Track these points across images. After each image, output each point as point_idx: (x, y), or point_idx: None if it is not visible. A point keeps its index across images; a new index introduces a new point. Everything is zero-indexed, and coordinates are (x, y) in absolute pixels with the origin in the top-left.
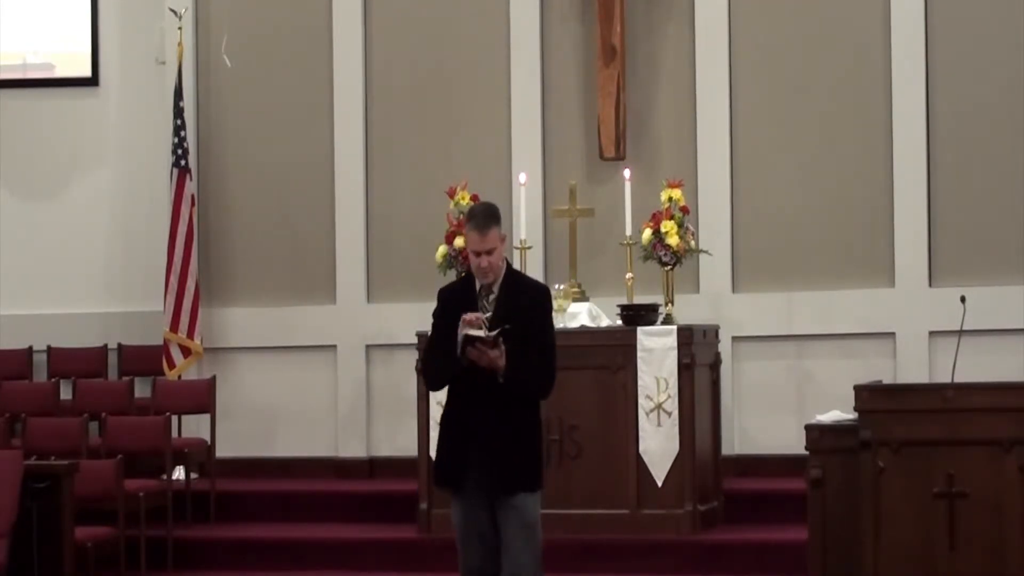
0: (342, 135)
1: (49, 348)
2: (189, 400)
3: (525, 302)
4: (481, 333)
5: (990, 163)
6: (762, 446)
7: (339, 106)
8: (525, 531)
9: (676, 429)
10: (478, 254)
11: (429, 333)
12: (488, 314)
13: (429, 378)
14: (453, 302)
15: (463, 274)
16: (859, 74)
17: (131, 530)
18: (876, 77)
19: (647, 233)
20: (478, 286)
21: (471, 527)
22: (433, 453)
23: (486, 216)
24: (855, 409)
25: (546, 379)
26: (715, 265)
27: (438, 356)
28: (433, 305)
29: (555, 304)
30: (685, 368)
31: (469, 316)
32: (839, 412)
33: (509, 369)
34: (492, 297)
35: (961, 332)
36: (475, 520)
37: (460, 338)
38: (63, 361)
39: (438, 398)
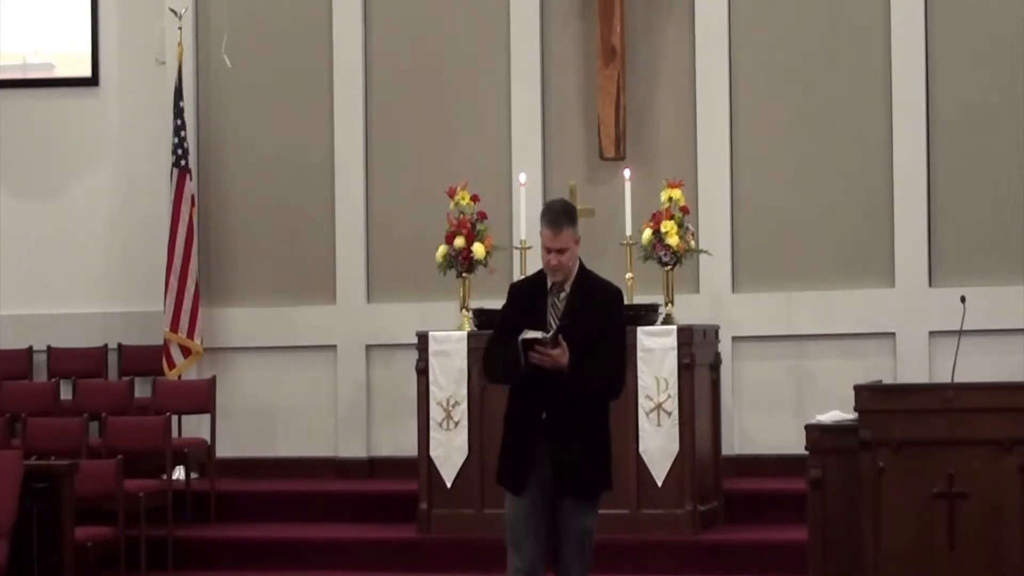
0: (342, 135)
1: (49, 348)
2: (189, 400)
3: (596, 302)
4: (539, 334)
5: (990, 163)
6: (762, 446)
7: (339, 106)
8: (582, 538)
9: (676, 429)
10: (549, 251)
11: (495, 327)
12: (560, 311)
13: (490, 375)
14: (523, 297)
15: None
16: (859, 74)
17: (131, 530)
18: (876, 78)
19: (647, 233)
20: (549, 283)
21: (527, 528)
22: (433, 452)
23: (561, 214)
24: (855, 409)
25: (614, 379)
26: (715, 265)
27: (500, 353)
28: (433, 305)
29: None
30: (685, 368)
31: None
32: (839, 412)
33: (573, 367)
34: (563, 295)
35: (961, 332)
36: (534, 521)
37: (520, 346)
38: (63, 361)
39: (438, 398)
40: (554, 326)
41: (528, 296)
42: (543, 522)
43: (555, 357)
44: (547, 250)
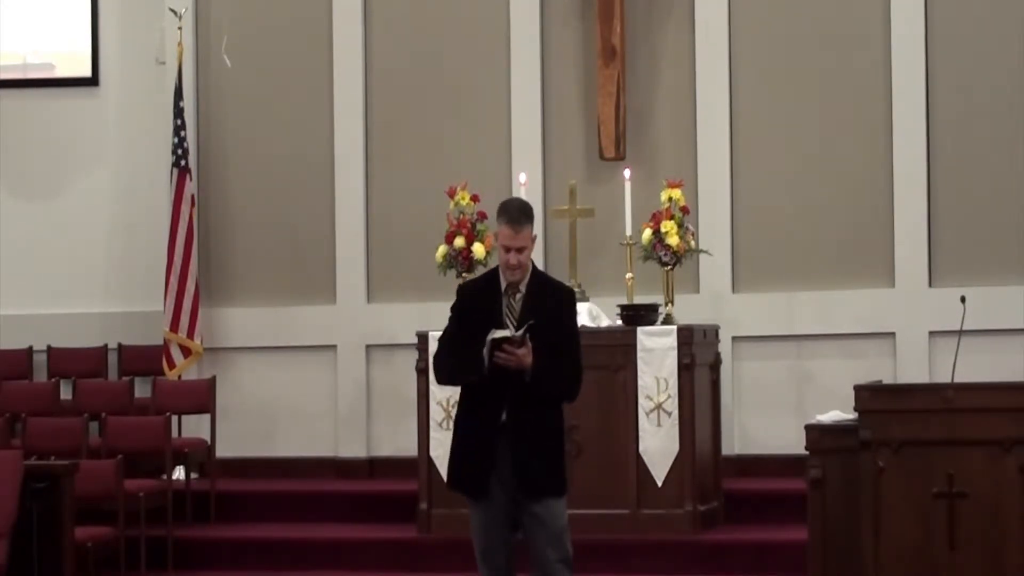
0: (342, 135)
1: (49, 348)
2: (189, 400)
3: (552, 303)
4: (507, 333)
5: (990, 163)
6: (762, 446)
7: (339, 106)
8: (555, 539)
9: (676, 429)
10: (508, 250)
11: (445, 327)
12: (516, 312)
13: (441, 375)
14: (476, 300)
15: (462, 272)
16: (859, 74)
17: (131, 530)
18: (876, 77)
19: (647, 233)
20: (503, 285)
21: (495, 535)
22: (433, 452)
23: (521, 212)
24: (855, 409)
25: (573, 380)
26: (715, 265)
27: (452, 354)
28: (433, 305)
29: None
30: (685, 368)
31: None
32: (839, 412)
33: (537, 368)
34: (519, 296)
35: (961, 332)
36: (502, 528)
37: (487, 345)
38: (63, 361)
39: (438, 398)
40: (511, 327)
41: (482, 298)
42: (510, 528)
43: (520, 357)
44: (506, 249)
